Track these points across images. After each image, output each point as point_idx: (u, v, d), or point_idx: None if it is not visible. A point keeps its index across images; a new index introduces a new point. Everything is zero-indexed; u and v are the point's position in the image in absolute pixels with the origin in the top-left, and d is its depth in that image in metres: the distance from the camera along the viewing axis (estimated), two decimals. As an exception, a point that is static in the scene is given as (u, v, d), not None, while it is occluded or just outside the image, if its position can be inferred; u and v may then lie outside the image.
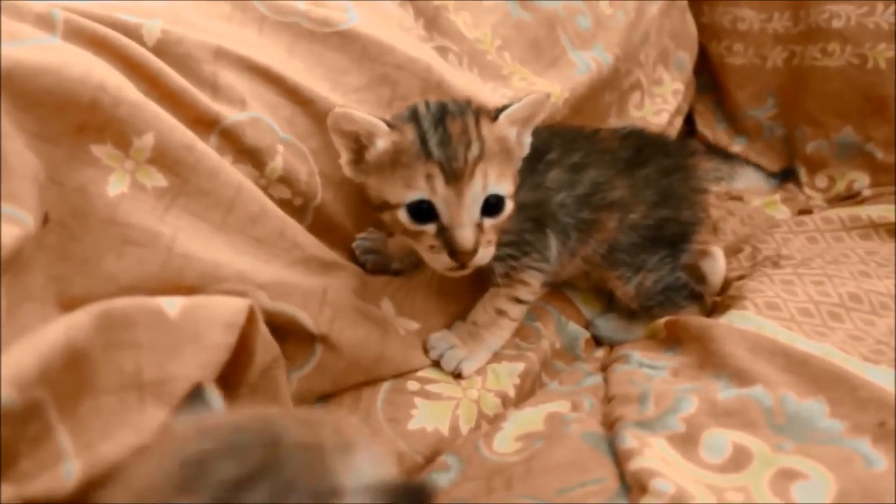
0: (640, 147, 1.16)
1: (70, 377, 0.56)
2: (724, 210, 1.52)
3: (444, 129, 0.87)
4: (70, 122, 0.73)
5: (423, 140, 0.86)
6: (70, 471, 0.53)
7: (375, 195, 0.92)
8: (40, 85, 0.70)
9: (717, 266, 1.23)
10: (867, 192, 1.56)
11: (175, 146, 0.80)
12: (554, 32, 1.38)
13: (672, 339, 0.99)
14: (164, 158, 0.80)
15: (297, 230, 0.94)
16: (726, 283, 1.21)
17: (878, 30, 1.54)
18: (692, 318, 1.01)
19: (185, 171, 0.82)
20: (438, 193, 0.86)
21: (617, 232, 1.11)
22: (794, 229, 1.34)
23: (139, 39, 0.86)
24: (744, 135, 1.79)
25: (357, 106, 1.03)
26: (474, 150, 0.86)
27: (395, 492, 0.43)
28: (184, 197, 0.82)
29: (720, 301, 1.16)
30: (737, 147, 1.76)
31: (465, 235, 0.86)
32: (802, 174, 1.67)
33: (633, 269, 1.12)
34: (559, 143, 1.10)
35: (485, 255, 0.90)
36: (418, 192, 0.86)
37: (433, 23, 1.21)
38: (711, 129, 1.81)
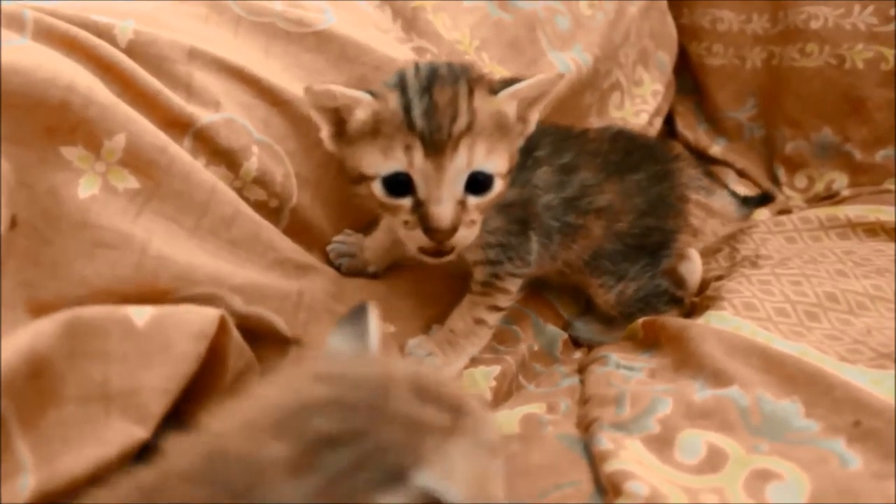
0: (630, 151, 1.15)
1: (34, 387, 0.55)
2: (704, 211, 1.52)
3: (430, 98, 0.82)
4: (40, 124, 0.72)
5: (406, 109, 0.82)
6: (25, 484, 0.52)
7: (352, 167, 0.88)
8: (9, 87, 0.69)
9: (694, 267, 1.23)
10: (846, 193, 1.57)
11: (147, 148, 0.79)
12: (533, 33, 1.37)
13: (650, 341, 0.99)
14: (136, 160, 0.79)
15: (272, 232, 0.93)
16: (704, 284, 1.21)
17: (856, 30, 1.55)
18: (670, 318, 1.01)
19: (157, 173, 0.81)
20: (416, 166, 0.81)
21: (602, 239, 1.10)
22: (772, 229, 1.35)
23: (111, 40, 0.84)
24: (724, 136, 1.79)
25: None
26: (461, 122, 0.81)
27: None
28: (157, 200, 0.81)
29: (698, 302, 1.16)
30: (716, 148, 1.77)
31: (441, 212, 0.82)
32: (782, 174, 1.68)
33: (616, 278, 1.11)
34: (549, 141, 1.07)
35: (466, 235, 0.86)
36: (395, 164, 0.82)
37: (411, 24, 1.21)
38: (692, 129, 1.82)
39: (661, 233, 1.13)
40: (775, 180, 1.69)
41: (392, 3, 1.20)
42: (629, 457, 0.71)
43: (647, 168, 1.13)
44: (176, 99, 0.87)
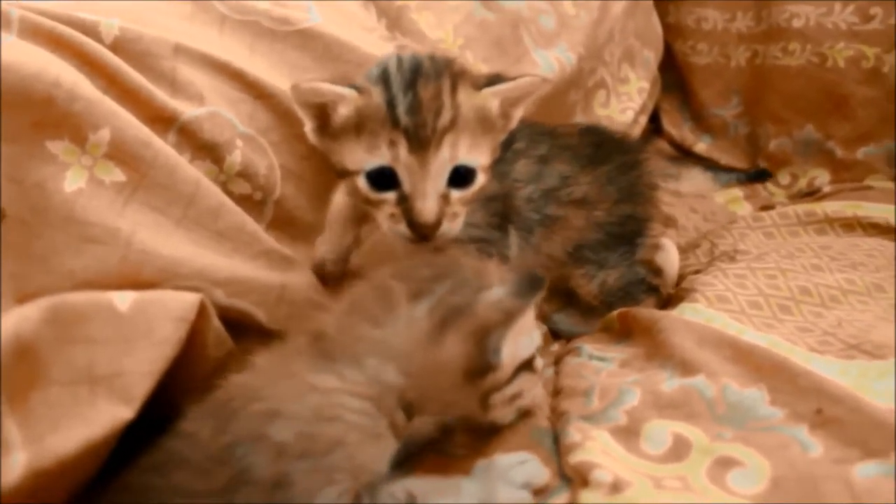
0: (599, 143, 1.17)
1: (19, 370, 0.57)
2: (686, 207, 1.55)
3: (414, 93, 0.83)
4: (26, 119, 0.74)
5: (390, 105, 0.83)
6: (16, 461, 0.54)
7: (337, 161, 0.89)
8: (-6, 83, 0.71)
9: (670, 257, 1.25)
10: (827, 189, 1.59)
11: (132, 142, 0.81)
12: (517, 32, 1.39)
13: (624, 332, 1.01)
14: (121, 154, 0.80)
15: (256, 225, 0.94)
16: (682, 278, 1.23)
17: (837, 29, 1.57)
18: (643, 310, 1.03)
19: (142, 166, 0.82)
20: (401, 161, 0.82)
21: (584, 230, 1.12)
22: (751, 225, 1.36)
23: (97, 37, 0.86)
24: (709, 133, 1.81)
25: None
26: (445, 117, 0.83)
27: (520, 279, 0.72)
28: (143, 192, 0.82)
29: (674, 294, 1.18)
30: (701, 145, 1.79)
31: (427, 207, 0.83)
32: (766, 172, 1.71)
33: (597, 267, 1.13)
34: (525, 134, 1.08)
35: (450, 228, 0.87)
36: (379, 159, 0.83)
37: (396, 23, 1.23)
38: (677, 127, 1.84)
39: (635, 220, 1.16)
40: (769, 178, 1.70)
41: (377, 3, 1.22)
42: (595, 447, 0.73)
43: (616, 158, 1.15)
44: (160, 94, 0.89)
